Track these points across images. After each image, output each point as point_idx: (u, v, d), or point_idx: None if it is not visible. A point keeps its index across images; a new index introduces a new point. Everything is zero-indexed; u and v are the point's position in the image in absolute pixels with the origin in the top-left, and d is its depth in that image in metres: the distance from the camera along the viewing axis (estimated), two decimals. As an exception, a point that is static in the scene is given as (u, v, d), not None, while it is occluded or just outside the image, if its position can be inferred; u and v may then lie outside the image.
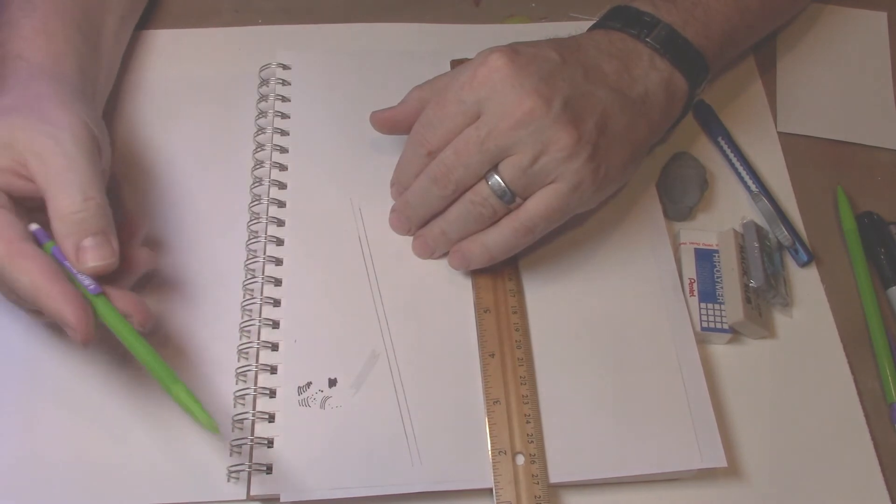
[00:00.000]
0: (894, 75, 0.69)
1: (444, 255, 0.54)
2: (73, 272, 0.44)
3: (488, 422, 0.49)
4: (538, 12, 0.70)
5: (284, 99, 0.61)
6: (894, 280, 0.59)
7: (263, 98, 0.61)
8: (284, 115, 0.61)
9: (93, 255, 0.44)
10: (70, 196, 0.44)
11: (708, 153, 0.63)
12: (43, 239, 0.45)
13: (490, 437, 0.49)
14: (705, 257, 0.57)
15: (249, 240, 0.55)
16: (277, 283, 0.53)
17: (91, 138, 0.48)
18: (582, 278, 0.55)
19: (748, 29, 0.61)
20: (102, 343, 0.52)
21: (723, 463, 0.49)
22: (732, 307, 0.55)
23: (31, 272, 0.43)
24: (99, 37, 0.58)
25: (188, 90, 0.63)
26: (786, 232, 0.59)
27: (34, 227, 0.46)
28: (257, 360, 0.51)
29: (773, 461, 0.52)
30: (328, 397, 0.50)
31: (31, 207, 0.47)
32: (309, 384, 0.50)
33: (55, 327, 0.51)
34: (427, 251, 0.54)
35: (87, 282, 0.44)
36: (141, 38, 0.65)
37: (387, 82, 0.61)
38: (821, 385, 0.55)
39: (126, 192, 0.57)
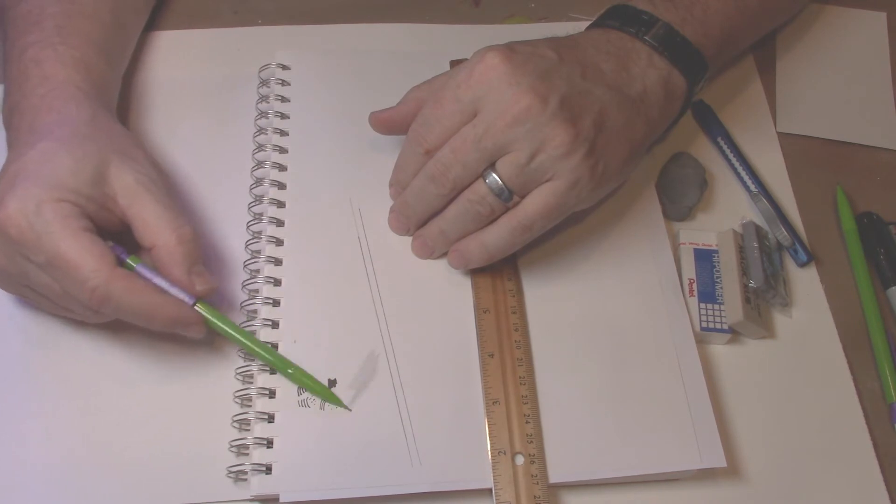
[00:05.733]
0: (894, 75, 0.69)
1: (444, 255, 0.54)
2: (163, 286, 0.48)
3: (488, 422, 0.49)
4: (537, 13, 0.70)
5: (284, 99, 0.61)
6: (894, 280, 0.59)
7: (263, 98, 0.61)
8: (284, 116, 0.60)
9: (200, 281, 0.48)
10: (174, 230, 0.48)
11: (707, 153, 0.63)
12: (122, 255, 0.48)
13: (489, 437, 0.49)
14: (705, 257, 0.57)
15: (249, 240, 0.55)
16: (277, 283, 0.53)
17: (159, 167, 0.52)
18: (581, 278, 0.55)
19: (747, 28, 0.61)
20: (100, 345, 0.52)
21: (722, 463, 0.49)
22: (732, 307, 0.54)
23: (137, 292, 0.46)
24: (122, 61, 0.61)
25: (188, 91, 0.63)
26: (785, 232, 0.59)
27: (110, 244, 0.47)
28: (257, 360, 0.51)
29: (773, 461, 0.52)
30: (327, 397, 0.50)
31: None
32: (308, 384, 0.50)
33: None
34: (426, 251, 0.54)
35: (183, 294, 0.48)
36: (141, 40, 0.65)
37: (386, 82, 0.61)
38: (820, 385, 0.55)
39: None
